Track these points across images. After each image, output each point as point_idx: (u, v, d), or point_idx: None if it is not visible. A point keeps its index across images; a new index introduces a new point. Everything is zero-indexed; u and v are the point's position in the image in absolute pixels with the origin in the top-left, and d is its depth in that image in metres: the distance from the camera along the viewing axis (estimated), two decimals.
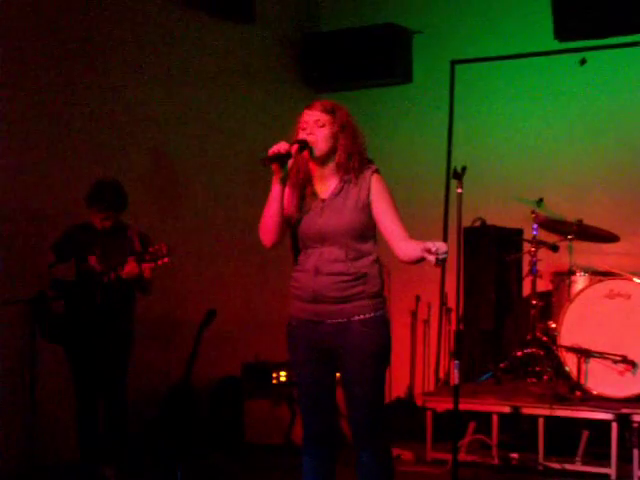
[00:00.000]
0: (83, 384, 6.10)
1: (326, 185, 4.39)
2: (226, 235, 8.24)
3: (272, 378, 7.70)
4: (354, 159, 4.34)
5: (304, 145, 4.29)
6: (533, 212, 7.55)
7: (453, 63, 8.71)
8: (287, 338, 4.50)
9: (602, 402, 6.46)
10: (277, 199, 4.32)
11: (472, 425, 6.93)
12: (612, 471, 6.26)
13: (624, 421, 6.27)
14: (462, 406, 5.74)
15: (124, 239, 6.08)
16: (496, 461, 6.64)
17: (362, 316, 4.30)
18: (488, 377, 7.57)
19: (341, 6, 9.43)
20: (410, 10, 9.01)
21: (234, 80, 8.44)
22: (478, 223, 8.23)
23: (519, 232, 8.15)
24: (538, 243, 7.50)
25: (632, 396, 6.46)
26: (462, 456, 6.56)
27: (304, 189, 4.43)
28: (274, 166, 4.27)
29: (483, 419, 6.86)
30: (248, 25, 8.48)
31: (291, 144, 4.28)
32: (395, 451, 6.75)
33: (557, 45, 8.11)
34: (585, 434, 6.55)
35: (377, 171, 4.38)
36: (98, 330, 6.01)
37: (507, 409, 6.65)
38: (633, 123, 8.04)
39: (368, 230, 4.34)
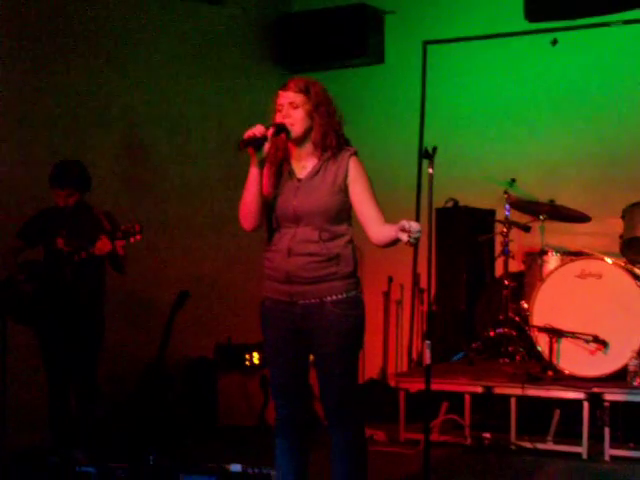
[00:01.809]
0: (54, 367, 6.06)
1: (304, 165, 4.38)
2: (198, 216, 8.21)
3: (245, 359, 7.70)
4: (330, 137, 4.33)
5: (281, 128, 4.29)
6: (505, 193, 7.57)
7: (425, 44, 8.67)
8: (261, 318, 4.50)
9: (574, 381, 6.50)
10: (255, 183, 4.31)
11: (445, 405, 6.96)
12: (584, 450, 6.30)
13: (595, 400, 6.30)
14: (435, 386, 5.75)
15: (90, 219, 6.04)
16: (469, 441, 6.67)
17: (334, 297, 4.30)
18: (461, 357, 7.61)
19: None
20: None
21: (205, 61, 8.39)
22: (450, 204, 8.25)
23: (491, 213, 8.19)
24: (510, 223, 7.53)
25: (603, 375, 6.49)
26: (435, 436, 6.59)
27: (282, 167, 4.42)
28: (250, 150, 4.25)
29: (456, 399, 6.88)
30: (219, 5, 8.42)
31: (267, 127, 4.26)
32: (368, 431, 6.75)
33: (528, 26, 8.10)
34: (557, 413, 6.59)
35: (355, 154, 4.38)
36: (69, 312, 5.97)
37: (479, 389, 6.68)
38: (604, 103, 8.06)
39: (343, 212, 4.35)
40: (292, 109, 4.30)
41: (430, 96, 8.64)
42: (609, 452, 6.27)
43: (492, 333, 7.48)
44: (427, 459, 5.13)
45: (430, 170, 5.28)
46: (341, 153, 4.35)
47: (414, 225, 4.02)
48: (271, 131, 4.25)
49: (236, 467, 5.43)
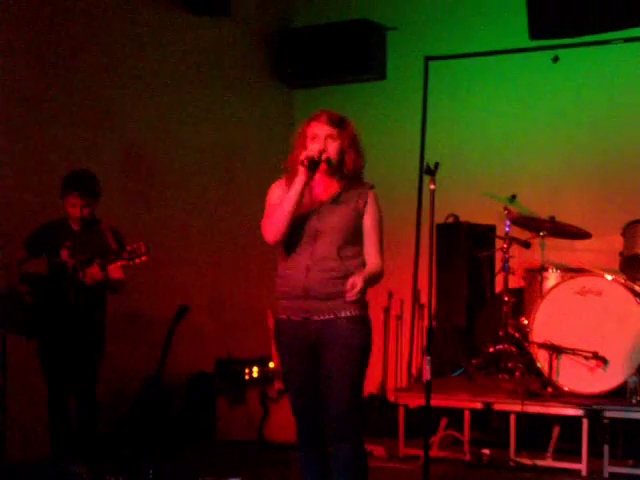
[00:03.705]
0: (55, 381, 6.04)
1: (326, 190, 4.56)
2: (199, 231, 8.22)
3: (244, 374, 7.69)
4: (359, 172, 4.58)
5: (329, 160, 4.47)
6: (506, 209, 7.57)
7: (427, 59, 8.71)
8: (275, 338, 4.66)
9: (573, 398, 6.49)
10: (297, 198, 4.43)
11: (444, 421, 6.95)
12: (583, 467, 6.28)
13: (595, 417, 6.30)
14: (434, 402, 5.74)
15: (97, 234, 6.03)
16: (468, 457, 6.66)
17: (348, 313, 4.44)
18: (460, 373, 7.60)
19: (316, 2, 9.41)
20: (384, 6, 9.01)
21: (208, 76, 8.42)
22: (451, 219, 8.26)
23: (492, 229, 8.19)
24: (511, 239, 7.53)
25: (602, 392, 6.49)
26: (434, 452, 6.58)
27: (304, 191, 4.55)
28: (306, 171, 4.39)
29: (455, 415, 6.87)
30: (222, 20, 8.44)
31: (320, 152, 4.42)
32: (367, 447, 6.74)
33: (530, 42, 8.12)
34: (556, 430, 6.58)
35: (373, 188, 4.60)
36: (70, 327, 5.96)
37: (479, 405, 6.67)
38: (605, 121, 8.08)
39: (359, 234, 4.54)
40: (330, 141, 4.48)
41: (431, 112, 8.67)
42: (608, 469, 6.25)
43: (492, 349, 7.47)
44: (426, 475, 5.13)
45: (432, 186, 5.28)
46: (362, 184, 4.58)
47: (354, 286, 4.35)
48: (326, 155, 4.44)
49: None
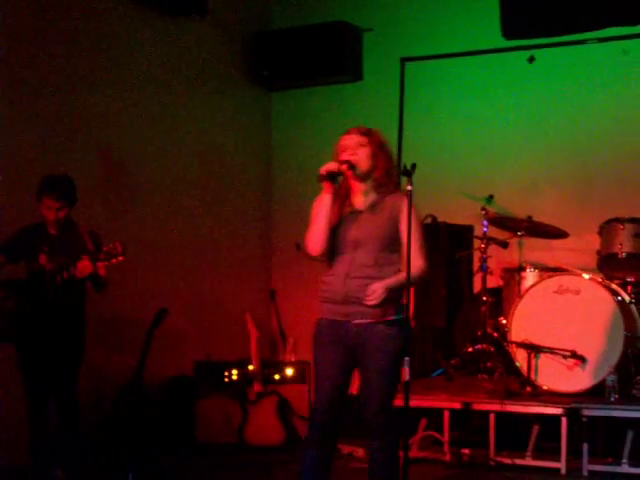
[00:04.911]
0: (34, 384, 6.02)
1: (364, 199, 4.82)
2: (178, 234, 8.20)
3: (224, 377, 7.68)
4: (392, 175, 4.82)
5: (351, 165, 4.69)
6: (483, 209, 7.59)
7: (403, 60, 8.73)
8: (314, 337, 4.83)
9: (552, 397, 6.52)
10: (327, 212, 4.71)
11: (423, 422, 6.96)
12: (562, 465, 6.31)
13: (574, 415, 6.32)
14: (413, 402, 5.75)
15: (75, 237, 6.02)
16: (448, 457, 6.67)
17: (387, 318, 4.68)
18: (439, 373, 7.61)
19: (292, 4, 9.40)
20: (360, 8, 9.02)
21: (184, 78, 8.40)
22: (429, 220, 8.26)
23: (470, 229, 8.21)
24: (488, 239, 7.55)
25: (581, 391, 6.52)
26: (414, 452, 6.59)
27: (344, 203, 4.81)
28: (327, 183, 4.69)
29: (435, 415, 6.88)
30: (198, 22, 8.42)
31: (340, 163, 4.70)
32: (347, 448, 6.76)
33: (506, 43, 8.16)
34: (535, 429, 6.60)
35: (411, 194, 4.76)
36: (49, 330, 5.93)
37: (458, 405, 6.68)
38: (581, 120, 8.12)
39: (396, 242, 4.75)
40: (359, 147, 4.75)
41: (408, 113, 8.68)
42: (587, 467, 6.28)
43: (470, 349, 7.48)
44: (406, 475, 5.12)
45: (409, 187, 5.29)
46: (398, 191, 4.83)
47: (373, 291, 4.59)
48: (345, 166, 4.69)
49: None
